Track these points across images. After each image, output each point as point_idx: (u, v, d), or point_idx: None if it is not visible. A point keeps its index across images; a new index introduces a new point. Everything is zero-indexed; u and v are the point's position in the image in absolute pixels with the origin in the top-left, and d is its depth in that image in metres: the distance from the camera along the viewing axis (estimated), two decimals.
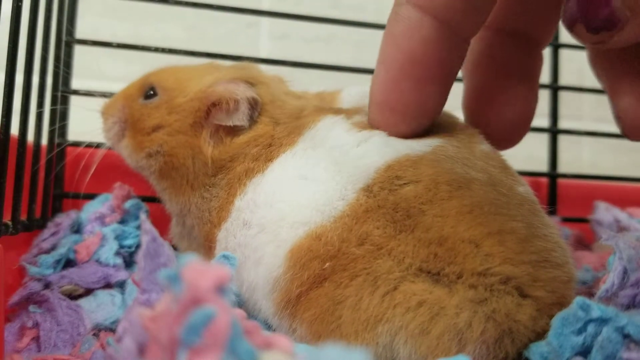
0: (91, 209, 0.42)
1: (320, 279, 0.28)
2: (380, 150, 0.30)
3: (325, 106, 0.36)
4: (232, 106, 0.34)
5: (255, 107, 0.35)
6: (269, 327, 0.31)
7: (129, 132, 0.37)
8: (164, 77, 0.37)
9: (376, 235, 0.28)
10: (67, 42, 0.46)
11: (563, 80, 0.57)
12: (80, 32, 0.48)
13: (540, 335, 0.26)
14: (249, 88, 0.35)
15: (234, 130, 0.35)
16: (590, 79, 0.35)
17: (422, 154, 0.29)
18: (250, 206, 0.32)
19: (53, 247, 0.39)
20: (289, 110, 0.35)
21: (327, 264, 0.28)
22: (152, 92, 0.37)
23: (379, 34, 0.55)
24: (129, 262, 0.40)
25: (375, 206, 0.28)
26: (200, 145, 0.35)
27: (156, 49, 0.47)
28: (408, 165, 0.29)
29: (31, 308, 0.34)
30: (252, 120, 0.35)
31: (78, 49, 0.48)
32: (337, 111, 0.34)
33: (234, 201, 0.33)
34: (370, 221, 0.28)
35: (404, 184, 0.28)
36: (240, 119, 0.34)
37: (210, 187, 0.35)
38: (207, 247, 0.35)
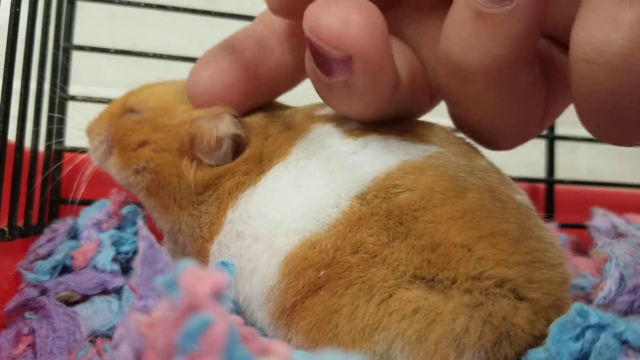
0: (88, 215, 0.42)
1: (315, 287, 0.28)
2: (379, 158, 0.30)
3: (315, 112, 0.35)
4: (214, 144, 0.33)
5: (240, 142, 0.34)
6: (265, 336, 0.31)
7: (116, 149, 0.37)
8: (143, 97, 0.37)
9: (370, 243, 0.28)
10: (65, 48, 0.46)
11: None
12: (78, 38, 0.48)
13: (538, 338, 0.26)
14: (231, 124, 0.33)
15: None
16: None
17: (422, 160, 0.29)
18: (244, 217, 0.32)
19: (50, 253, 0.39)
20: (279, 121, 0.35)
21: (322, 272, 0.28)
22: (134, 111, 0.37)
23: None
24: (126, 269, 0.40)
25: (369, 214, 0.28)
26: (182, 168, 0.35)
27: (154, 55, 0.47)
28: (408, 173, 0.29)
29: (27, 314, 0.34)
30: (239, 153, 0.34)
31: (76, 55, 0.48)
32: (328, 118, 0.34)
33: (226, 214, 0.33)
34: (363, 229, 0.28)
35: (400, 192, 0.28)
36: (223, 157, 0.34)
37: (198, 204, 0.35)
38: (200, 263, 0.35)
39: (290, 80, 0.36)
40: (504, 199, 0.28)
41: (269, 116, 0.36)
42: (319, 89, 0.30)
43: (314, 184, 0.30)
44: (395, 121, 0.32)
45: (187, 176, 0.34)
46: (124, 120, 0.37)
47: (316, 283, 0.28)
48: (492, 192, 0.28)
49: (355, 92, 0.28)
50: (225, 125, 0.33)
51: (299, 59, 0.34)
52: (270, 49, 0.34)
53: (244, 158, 0.34)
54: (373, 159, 0.30)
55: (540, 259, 0.27)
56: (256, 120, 0.35)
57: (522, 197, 0.30)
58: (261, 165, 0.33)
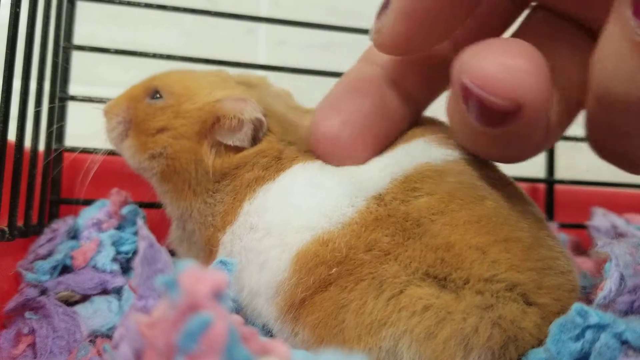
0: (88, 215, 0.42)
1: (325, 283, 0.28)
2: (399, 160, 0.30)
3: None
4: (236, 125, 0.34)
5: (260, 128, 0.34)
6: (267, 332, 0.31)
7: (132, 132, 0.37)
8: (170, 82, 0.37)
9: (384, 242, 0.28)
10: (65, 48, 0.46)
11: None
12: (78, 38, 0.48)
13: (543, 343, 0.26)
14: (255, 108, 0.34)
15: (235, 147, 0.35)
16: None
17: (443, 164, 0.29)
18: (259, 210, 0.32)
19: (49, 253, 0.39)
20: (302, 133, 0.35)
21: (334, 269, 0.28)
22: (158, 95, 0.37)
23: None
24: (125, 268, 0.40)
25: (386, 215, 0.28)
26: (202, 153, 0.35)
27: (154, 55, 0.47)
28: (428, 177, 0.29)
29: (27, 314, 0.34)
30: (256, 141, 0.34)
31: (76, 55, 0.48)
32: None
33: (242, 205, 0.33)
34: (379, 229, 0.28)
35: (419, 195, 0.28)
36: (241, 139, 0.34)
37: (214, 192, 0.35)
38: (207, 251, 0.35)
39: (409, 123, 0.33)
40: (520, 209, 0.29)
41: (286, 123, 0.36)
42: (467, 137, 0.28)
43: (330, 183, 0.31)
44: (423, 124, 0.33)
45: (206, 162, 0.34)
46: (144, 104, 0.37)
47: (327, 279, 0.28)
48: (509, 203, 0.29)
49: (513, 139, 0.26)
50: (249, 109, 0.34)
51: (418, 99, 0.33)
52: (388, 93, 0.32)
53: (261, 150, 0.34)
54: (393, 161, 0.30)
55: (550, 267, 0.27)
56: (271, 113, 0.35)
57: (535, 209, 0.30)
58: (280, 163, 0.34)
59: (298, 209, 0.30)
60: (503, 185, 0.30)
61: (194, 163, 0.35)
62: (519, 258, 0.27)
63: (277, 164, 0.33)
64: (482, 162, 0.31)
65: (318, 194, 0.30)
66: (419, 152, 0.30)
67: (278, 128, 0.35)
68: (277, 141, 0.34)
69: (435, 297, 0.26)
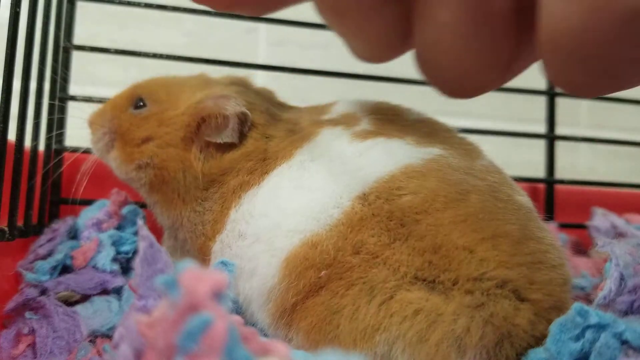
0: (88, 215, 0.42)
1: (316, 287, 0.28)
2: (383, 160, 0.30)
3: (320, 117, 0.35)
4: (222, 122, 0.34)
5: (245, 122, 0.35)
6: (266, 336, 0.31)
7: (118, 143, 0.37)
8: (153, 89, 0.37)
9: (371, 244, 0.28)
10: (65, 48, 0.46)
11: None
12: (78, 38, 0.48)
13: (539, 339, 0.26)
14: (238, 103, 0.34)
15: (224, 146, 0.35)
16: None
17: (424, 163, 0.29)
18: (246, 217, 0.32)
19: (50, 253, 0.39)
20: (282, 125, 0.35)
21: (323, 272, 0.28)
22: (141, 104, 0.37)
23: None
24: (125, 268, 0.40)
25: (370, 214, 0.28)
26: (190, 160, 0.35)
27: (154, 55, 0.47)
28: (412, 177, 0.29)
29: (27, 314, 0.34)
30: (243, 136, 0.35)
31: (76, 55, 0.48)
32: (335, 122, 0.34)
33: (229, 213, 0.33)
34: (365, 229, 0.28)
35: (403, 194, 0.28)
36: (229, 135, 0.34)
37: (202, 200, 0.35)
38: (200, 261, 0.35)
39: None
40: (505, 199, 0.29)
41: (267, 115, 0.36)
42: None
43: (316, 185, 0.30)
44: (404, 122, 0.33)
45: (195, 167, 0.34)
46: (128, 114, 0.37)
47: (317, 283, 0.28)
48: (494, 193, 0.29)
49: None
50: (232, 104, 0.34)
51: None
52: None
53: (247, 151, 0.34)
54: (377, 161, 0.30)
55: (541, 261, 0.27)
56: (253, 108, 0.35)
57: (523, 197, 0.30)
58: (265, 164, 0.33)
59: (285, 213, 0.30)
60: (488, 174, 0.30)
61: (182, 171, 0.35)
62: (507, 254, 0.26)
63: (262, 167, 0.33)
64: (464, 154, 0.31)
65: (305, 196, 0.30)
66: (401, 151, 0.30)
67: (261, 120, 0.35)
68: (261, 137, 0.34)
69: (425, 300, 0.26)
